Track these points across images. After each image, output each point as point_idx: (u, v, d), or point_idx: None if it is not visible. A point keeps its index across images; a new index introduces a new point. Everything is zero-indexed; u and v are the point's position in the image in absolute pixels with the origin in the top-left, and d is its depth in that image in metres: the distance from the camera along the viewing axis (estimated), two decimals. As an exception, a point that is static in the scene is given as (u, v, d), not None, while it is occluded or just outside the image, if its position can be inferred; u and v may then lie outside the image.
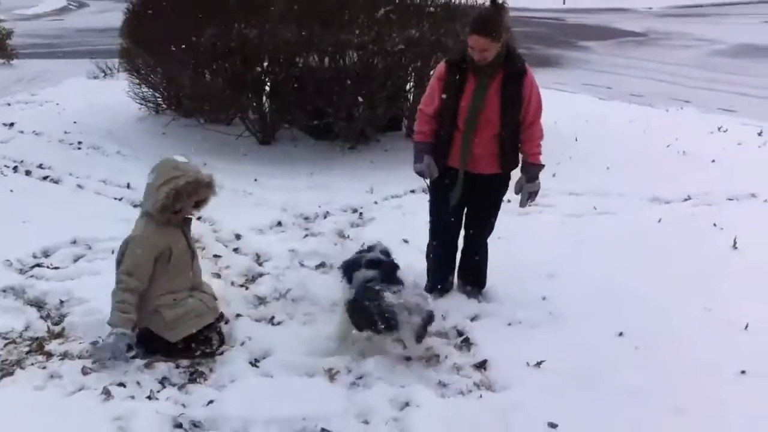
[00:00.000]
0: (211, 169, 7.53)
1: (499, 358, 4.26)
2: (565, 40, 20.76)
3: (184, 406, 3.76)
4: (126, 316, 4.08)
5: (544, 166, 4.73)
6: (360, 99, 8.50)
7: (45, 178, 7.62)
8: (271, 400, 3.79)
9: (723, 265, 5.59)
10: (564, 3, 31.56)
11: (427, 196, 5.04)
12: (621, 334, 4.53)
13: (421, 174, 4.68)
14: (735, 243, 5.88)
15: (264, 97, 9.07)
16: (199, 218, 4.51)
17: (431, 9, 9.12)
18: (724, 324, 4.63)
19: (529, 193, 4.74)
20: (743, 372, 4.11)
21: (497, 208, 4.91)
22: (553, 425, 3.61)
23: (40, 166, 7.93)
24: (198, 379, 4.02)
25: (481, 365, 4.21)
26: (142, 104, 10.12)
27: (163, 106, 10.15)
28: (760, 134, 9.85)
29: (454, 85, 4.51)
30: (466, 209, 4.89)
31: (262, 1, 8.71)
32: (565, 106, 11.46)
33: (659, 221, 6.52)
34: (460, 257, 5.08)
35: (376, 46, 8.31)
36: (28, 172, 7.77)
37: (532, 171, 4.68)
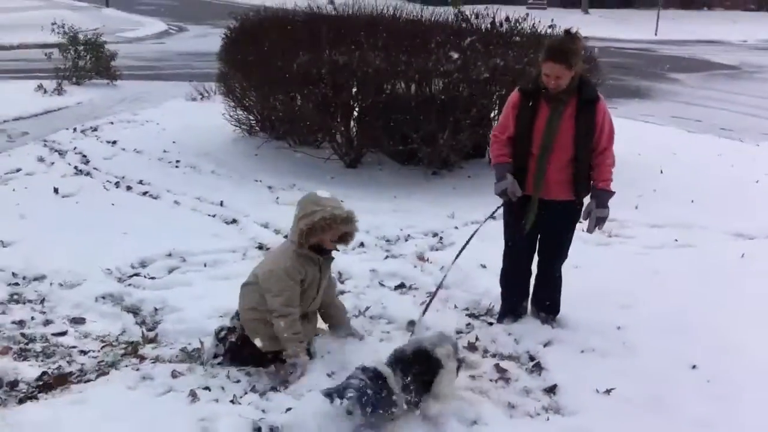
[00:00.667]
0: (300, 191, 8.08)
1: (569, 383, 4.36)
2: (655, 72, 20.51)
3: (264, 411, 3.97)
4: (302, 345, 4.36)
5: (614, 192, 4.74)
6: (444, 126, 8.70)
7: (144, 193, 8.07)
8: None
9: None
10: (656, 34, 31.13)
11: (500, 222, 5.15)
12: (694, 366, 4.56)
13: (503, 193, 4.73)
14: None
15: (351, 122, 9.37)
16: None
17: (517, 38, 9.27)
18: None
19: (597, 218, 4.74)
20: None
21: (570, 234, 4.94)
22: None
23: (140, 182, 8.40)
24: (279, 388, 4.24)
25: (551, 390, 4.31)
26: (236, 126, 10.55)
27: (257, 128, 10.55)
28: None
29: (527, 112, 4.61)
30: (539, 236, 4.94)
31: (353, 29, 9.03)
32: (652, 138, 11.43)
33: (742, 256, 6.47)
34: (534, 284, 5.13)
35: (461, 74, 8.51)
36: (128, 188, 8.24)
37: (603, 197, 4.70)
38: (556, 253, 4.99)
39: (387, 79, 8.76)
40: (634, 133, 11.62)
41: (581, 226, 4.97)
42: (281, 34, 9.55)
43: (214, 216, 7.32)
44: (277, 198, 8.01)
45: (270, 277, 4.36)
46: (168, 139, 10.37)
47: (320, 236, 4.36)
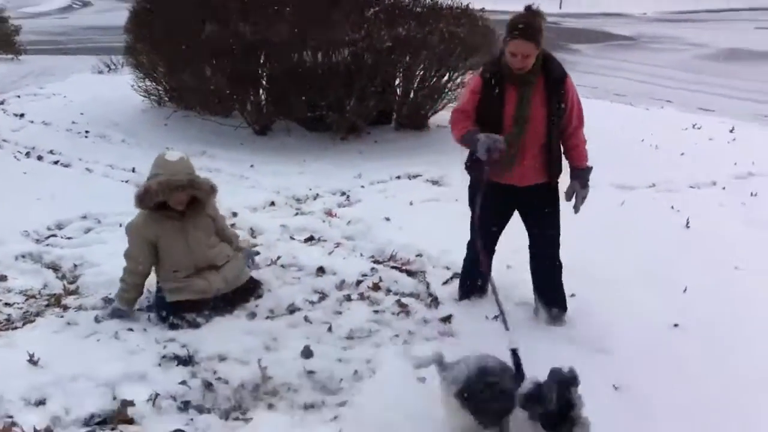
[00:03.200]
0: (210, 157, 8.36)
1: (462, 314, 4.84)
2: (557, 43, 21.30)
3: (180, 343, 4.37)
4: (125, 295, 4.65)
5: (592, 168, 4.64)
6: (350, 93, 9.06)
7: (55, 162, 8.16)
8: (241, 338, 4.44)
9: (675, 241, 6.15)
10: (560, 7, 32.12)
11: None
12: (573, 295, 5.07)
13: (488, 151, 4.24)
14: (687, 223, 6.44)
15: (260, 91, 9.62)
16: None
17: (418, 9, 9.67)
18: (665, 283, 5.22)
19: (582, 198, 4.64)
20: (676, 325, 4.69)
21: (557, 218, 4.69)
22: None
23: (51, 152, 8.48)
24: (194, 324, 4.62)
25: (446, 319, 4.77)
26: (145, 97, 10.66)
27: (165, 99, 10.68)
28: (731, 131, 10.40)
29: (493, 99, 4.33)
30: (528, 229, 4.76)
31: (259, 1, 9.27)
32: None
33: (622, 204, 7.08)
34: (535, 279, 4.90)
35: (366, 44, 8.87)
36: (39, 157, 8.32)
37: (585, 175, 4.59)
38: (549, 239, 4.74)
39: (294, 49, 9.05)
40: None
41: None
42: (189, 5, 9.69)
43: (126, 182, 7.49)
44: (189, 164, 8.21)
45: (126, 229, 4.69)
46: (76, 110, 10.41)
47: (160, 199, 4.52)
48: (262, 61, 9.33)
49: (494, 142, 4.22)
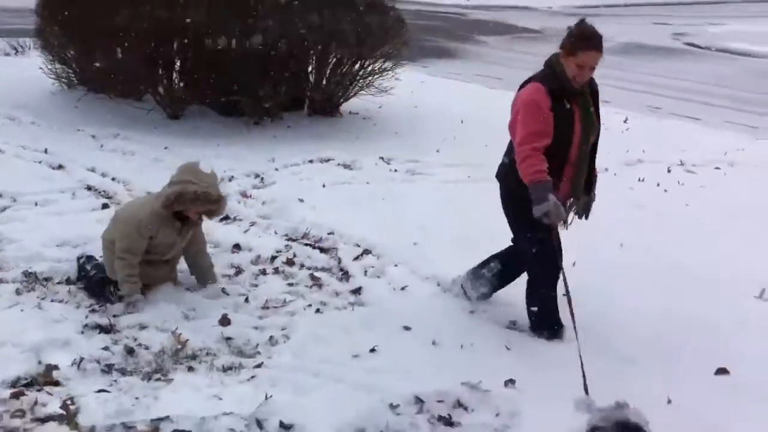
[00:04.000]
0: (124, 140, 8.46)
1: (371, 286, 5.18)
2: (464, 35, 21.86)
3: (102, 314, 4.58)
4: (135, 285, 4.70)
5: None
6: (264, 79, 9.26)
7: (-37, 144, 8.08)
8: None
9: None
10: (468, 0, 32.80)
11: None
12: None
13: (545, 216, 4.18)
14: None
15: (174, 75, 9.71)
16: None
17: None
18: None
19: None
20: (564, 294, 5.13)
21: None
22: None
23: (-42, 134, 8.38)
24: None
25: (357, 291, 5.10)
26: (55, 80, 10.55)
27: (75, 81, 10.61)
28: (625, 121, 11.06)
29: (566, 114, 4.24)
30: None
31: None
32: (457, 93, 12.53)
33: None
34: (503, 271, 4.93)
35: (280, 31, 9.08)
36: (-55, 139, 8.21)
37: (596, 184, 4.70)
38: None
39: (208, 34, 9.17)
40: (442, 89, 12.74)
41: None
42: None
43: (40, 162, 7.49)
44: (102, 145, 8.27)
45: (122, 223, 4.72)
46: (-19, 92, 10.25)
47: (186, 207, 4.61)
48: (176, 46, 9.42)
49: (557, 212, 4.16)
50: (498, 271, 4.92)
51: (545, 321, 4.62)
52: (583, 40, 4.17)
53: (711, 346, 4.62)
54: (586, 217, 4.67)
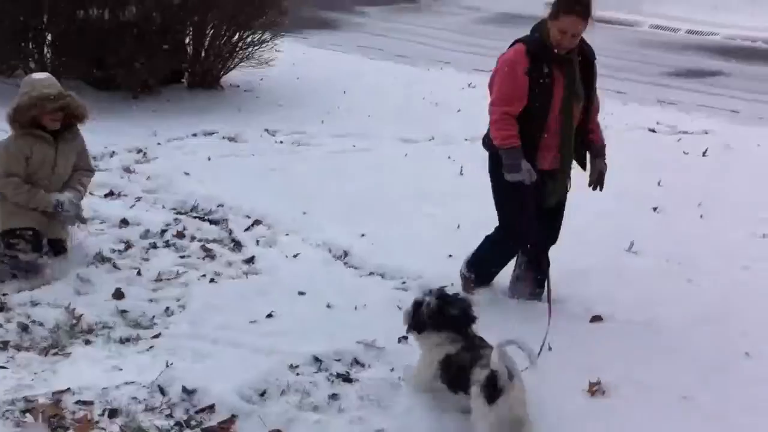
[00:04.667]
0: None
1: (263, 254, 5.26)
2: (343, 5, 21.89)
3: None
4: (37, 193, 4.66)
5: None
6: (140, 51, 9.05)
7: None
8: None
9: (450, 185, 6.87)
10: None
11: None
12: (363, 235, 5.62)
13: (520, 182, 4.20)
14: (461, 170, 7.19)
15: (45, 48, 9.37)
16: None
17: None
18: (445, 223, 5.89)
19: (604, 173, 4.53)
20: (450, 256, 5.36)
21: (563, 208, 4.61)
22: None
23: None
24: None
25: (250, 260, 5.18)
26: None
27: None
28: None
29: (543, 79, 4.11)
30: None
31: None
32: (339, 65, 12.61)
33: (405, 155, 7.76)
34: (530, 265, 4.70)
35: (154, 1, 8.89)
36: None
37: (604, 152, 4.52)
38: (556, 231, 4.64)
39: (80, 5, 8.90)
40: (323, 60, 12.77)
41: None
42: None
43: None
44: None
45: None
46: None
47: (32, 114, 4.58)
48: (46, 18, 9.09)
49: (530, 176, 4.15)
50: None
51: (479, 268, 4.73)
52: (566, 4, 4.06)
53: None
54: (600, 188, 4.53)
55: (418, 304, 3.70)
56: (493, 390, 3.19)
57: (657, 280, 5.19)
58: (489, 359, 3.22)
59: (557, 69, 4.14)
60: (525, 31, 4.41)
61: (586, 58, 4.28)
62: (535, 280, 4.66)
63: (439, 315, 3.61)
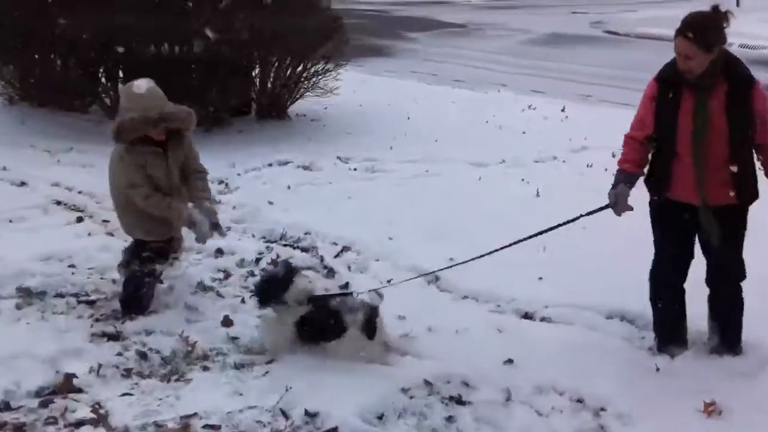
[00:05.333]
0: (79, 153, 8.40)
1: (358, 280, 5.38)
2: (392, 32, 22.20)
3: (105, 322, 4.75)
4: (165, 202, 4.67)
5: None
6: (210, 85, 9.32)
7: None
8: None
9: (529, 208, 6.94)
10: (388, -4, 33.18)
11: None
12: (451, 258, 5.67)
13: (613, 207, 4.18)
14: (538, 192, 7.27)
15: (119, 84, 9.68)
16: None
17: (268, 1, 9.97)
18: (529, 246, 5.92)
19: None
20: (540, 278, 5.43)
21: (738, 246, 4.17)
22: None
23: None
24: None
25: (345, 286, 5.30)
26: (-6, 96, 10.40)
27: (16, 97, 10.46)
28: (562, 110, 11.49)
29: (669, 104, 3.99)
30: (704, 252, 4.25)
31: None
32: (397, 90, 12.85)
33: (479, 179, 7.86)
34: (709, 307, 4.40)
35: (222, 36, 9.15)
36: None
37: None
38: (727, 269, 4.24)
39: (151, 41, 9.19)
40: (383, 87, 13.03)
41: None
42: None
43: (1, 180, 7.46)
44: (58, 160, 8.25)
45: (110, 170, 4.76)
46: None
47: (135, 134, 4.52)
48: (119, 54, 9.40)
49: (616, 200, 4.11)
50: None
51: (655, 326, 4.49)
52: (679, 25, 3.88)
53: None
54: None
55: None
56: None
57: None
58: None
59: (686, 95, 3.95)
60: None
61: (736, 83, 3.93)
62: (711, 329, 4.39)
63: (261, 293, 4.38)
